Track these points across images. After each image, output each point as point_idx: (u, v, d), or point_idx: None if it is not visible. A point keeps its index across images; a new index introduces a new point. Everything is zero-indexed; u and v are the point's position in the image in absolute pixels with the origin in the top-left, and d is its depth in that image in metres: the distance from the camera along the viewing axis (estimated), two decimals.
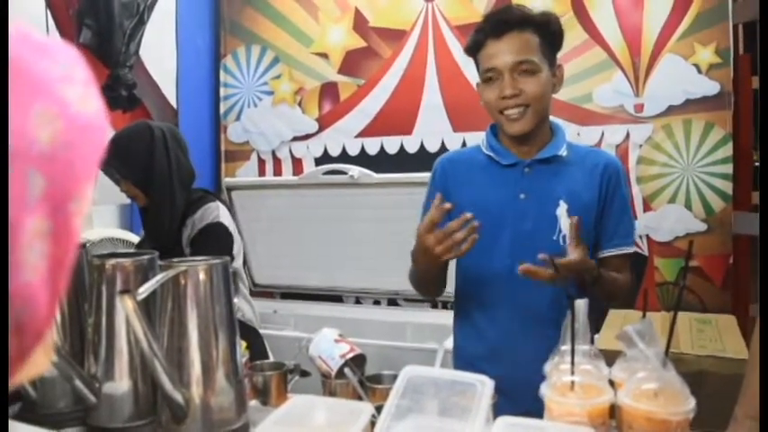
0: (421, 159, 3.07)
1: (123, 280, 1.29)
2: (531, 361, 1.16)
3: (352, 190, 3.16)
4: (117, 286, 1.27)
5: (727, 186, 2.68)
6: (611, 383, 1.04)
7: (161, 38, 3.20)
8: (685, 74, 2.73)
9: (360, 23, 3.28)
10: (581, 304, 1.07)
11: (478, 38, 1.58)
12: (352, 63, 3.31)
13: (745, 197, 2.70)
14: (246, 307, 2.27)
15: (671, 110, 2.76)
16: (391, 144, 3.25)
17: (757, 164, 2.72)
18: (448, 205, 1.41)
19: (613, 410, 1.00)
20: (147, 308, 1.18)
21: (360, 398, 1.36)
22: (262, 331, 2.36)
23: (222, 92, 3.62)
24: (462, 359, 1.72)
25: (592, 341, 1.13)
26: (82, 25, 2.80)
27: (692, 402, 0.93)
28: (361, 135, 3.30)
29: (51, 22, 2.79)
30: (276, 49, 3.47)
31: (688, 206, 2.74)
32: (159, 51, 3.21)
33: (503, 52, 1.53)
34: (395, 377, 1.00)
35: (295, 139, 3.45)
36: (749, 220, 2.63)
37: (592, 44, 2.86)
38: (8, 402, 0.74)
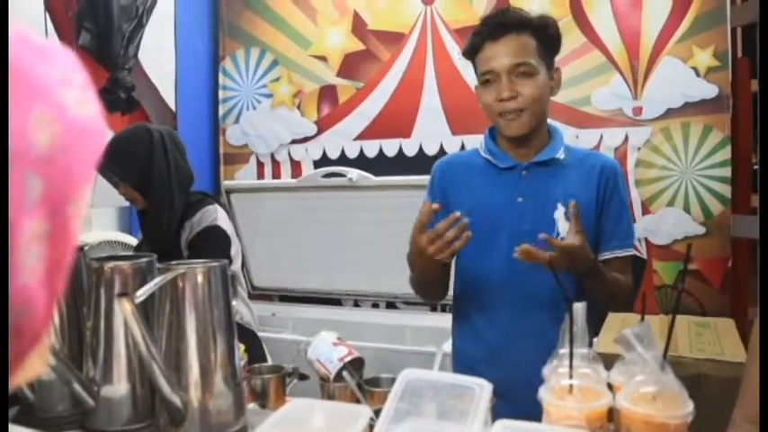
0: (419, 162, 3.08)
1: (122, 283, 1.29)
2: (530, 364, 1.15)
3: (350, 193, 3.16)
4: (115, 289, 1.28)
5: (726, 189, 2.68)
6: (610, 387, 1.04)
7: (160, 41, 3.20)
8: (684, 77, 2.73)
9: (358, 26, 3.28)
10: (579, 308, 1.07)
11: (476, 41, 1.59)
12: (350, 66, 3.31)
13: (744, 200, 2.70)
14: (245, 310, 2.27)
15: (669, 113, 2.76)
16: (390, 147, 3.24)
17: (756, 167, 2.72)
18: (435, 206, 1.41)
19: (612, 414, 1.00)
20: (146, 311, 1.18)
21: (358, 401, 1.36)
22: (260, 334, 2.36)
23: (221, 94, 3.62)
24: (461, 362, 1.72)
25: (590, 344, 1.13)
26: (81, 28, 2.80)
27: (690, 406, 0.93)
28: (359, 138, 3.30)
29: (50, 24, 2.79)
30: (275, 51, 3.47)
31: (687, 209, 2.74)
32: (158, 54, 3.21)
33: (500, 55, 1.54)
34: (393, 380, 1.00)
35: (294, 141, 3.45)
36: (748, 223, 2.63)
37: (590, 47, 2.86)
38: (8, 405, 0.74)
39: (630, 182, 2.77)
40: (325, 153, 3.39)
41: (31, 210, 0.41)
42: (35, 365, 0.47)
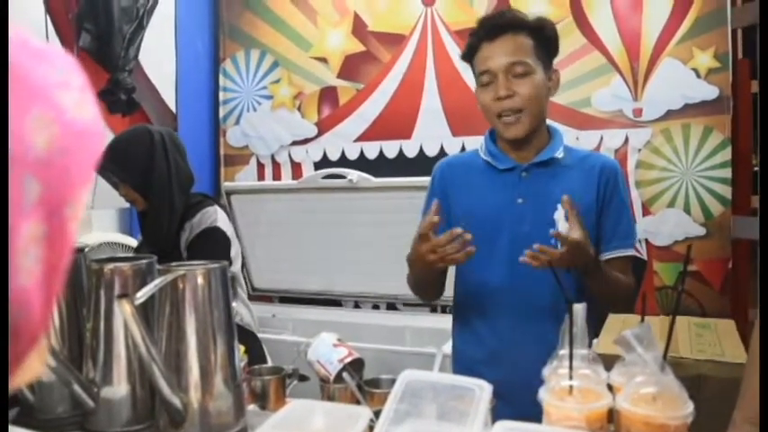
0: (420, 164, 3.08)
1: (122, 284, 1.29)
2: (530, 365, 1.15)
3: (350, 194, 3.16)
4: (115, 290, 1.28)
5: (726, 191, 2.68)
6: (610, 388, 1.04)
7: (160, 42, 3.20)
8: (684, 78, 2.73)
9: (359, 28, 3.29)
10: (579, 309, 1.07)
11: (473, 42, 1.61)
12: (351, 67, 3.31)
13: (744, 201, 2.70)
14: (245, 311, 2.27)
15: (670, 114, 2.76)
16: (390, 148, 3.25)
17: (756, 168, 2.72)
18: (436, 219, 1.43)
19: (612, 415, 1.00)
20: (146, 312, 1.19)
21: (358, 402, 1.36)
22: (260, 335, 2.36)
23: (221, 96, 3.62)
24: (461, 363, 1.72)
25: (590, 345, 1.13)
26: (81, 29, 2.80)
27: (690, 406, 0.93)
28: (360, 139, 3.30)
29: (51, 26, 2.79)
30: (275, 53, 3.47)
31: (687, 210, 2.74)
32: (158, 55, 3.21)
33: (496, 54, 1.55)
34: (393, 381, 1.00)
35: (294, 143, 3.45)
36: (748, 224, 2.63)
37: (590, 48, 2.86)
38: (8, 406, 0.74)
39: (631, 183, 2.77)
40: (325, 154, 3.39)
41: (29, 212, 0.41)
42: (33, 367, 0.47)
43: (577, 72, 2.86)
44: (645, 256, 2.80)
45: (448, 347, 1.79)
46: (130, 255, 2.30)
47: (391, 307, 3.32)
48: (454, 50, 3.07)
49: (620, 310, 1.52)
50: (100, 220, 2.90)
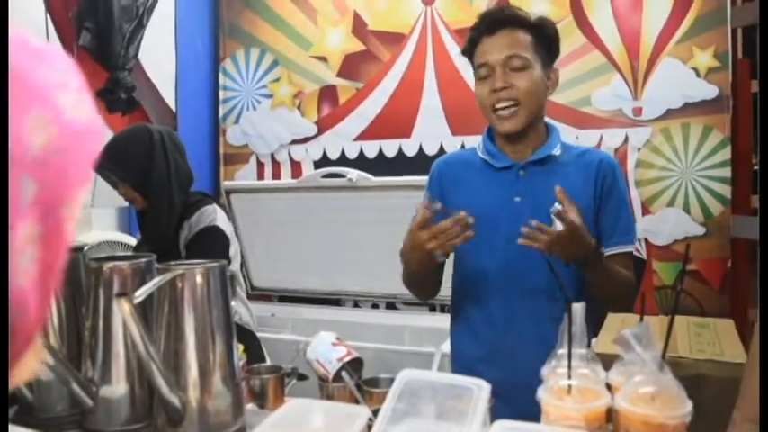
0: (419, 163, 3.07)
1: (120, 283, 1.29)
2: (529, 364, 1.15)
3: (350, 193, 3.16)
4: (114, 289, 1.28)
5: (726, 190, 2.69)
6: (609, 387, 1.04)
7: (160, 41, 3.20)
8: (684, 78, 2.73)
9: (359, 27, 3.29)
10: (578, 308, 1.07)
11: (473, 36, 1.62)
12: (351, 66, 3.31)
13: (744, 201, 2.70)
14: (243, 310, 2.27)
15: (669, 113, 2.76)
16: (390, 147, 3.25)
17: (756, 167, 2.72)
18: (438, 205, 1.44)
19: (610, 414, 1.00)
20: (144, 311, 1.19)
21: (357, 401, 1.36)
22: (259, 334, 2.35)
23: (221, 95, 3.62)
24: (459, 362, 1.72)
25: (589, 345, 1.13)
26: (81, 28, 2.80)
27: (688, 406, 0.93)
28: (359, 138, 3.30)
29: (51, 25, 2.79)
30: (275, 52, 3.47)
31: (686, 210, 2.74)
32: (158, 54, 3.21)
33: (495, 48, 1.56)
34: (392, 380, 1.00)
35: (294, 142, 3.45)
36: (748, 223, 2.63)
37: (590, 48, 2.86)
38: (8, 405, 0.74)
39: (630, 182, 2.78)
40: (325, 153, 3.39)
41: (25, 212, 0.41)
42: (29, 366, 0.47)
43: (577, 71, 2.86)
44: (644, 256, 2.80)
45: (446, 347, 1.79)
46: (129, 254, 2.30)
47: (390, 306, 3.32)
48: (454, 49, 3.07)
49: (621, 309, 1.51)
50: (99, 218, 2.91)
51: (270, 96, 3.50)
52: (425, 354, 2.64)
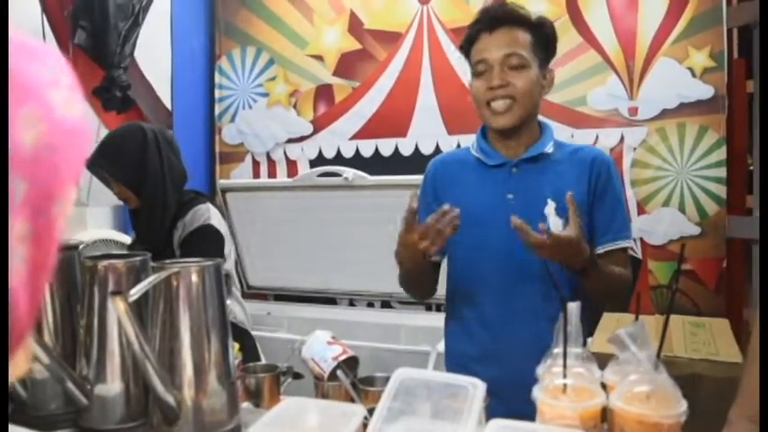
0: (415, 162, 3.07)
1: (115, 281, 1.29)
2: (524, 363, 1.15)
3: (346, 192, 3.16)
4: (109, 287, 1.27)
5: (721, 190, 2.69)
6: (604, 386, 1.04)
7: (156, 39, 3.19)
8: (679, 77, 2.73)
9: (355, 25, 3.28)
10: (573, 307, 1.07)
11: (472, 32, 1.62)
12: (347, 65, 3.31)
13: (739, 201, 2.71)
14: (238, 309, 2.27)
15: (665, 113, 2.76)
16: (386, 146, 3.25)
17: (751, 167, 2.73)
18: (414, 204, 1.44)
19: (605, 413, 1.00)
20: (139, 309, 1.18)
21: (352, 400, 1.36)
22: (255, 333, 2.35)
23: (217, 93, 3.61)
24: (454, 361, 1.71)
25: (584, 344, 1.13)
26: (77, 26, 2.80)
27: (683, 405, 0.93)
28: (355, 137, 3.30)
29: (46, 23, 2.78)
30: (271, 50, 3.47)
31: (682, 209, 2.75)
32: (154, 53, 3.20)
33: (493, 46, 1.56)
34: (387, 379, 1.00)
35: (290, 140, 3.45)
36: (743, 223, 2.63)
37: (586, 47, 2.86)
38: (8, 404, 0.73)
39: (626, 182, 2.78)
40: (321, 152, 3.39)
41: (15, 210, 0.41)
42: (20, 364, 0.47)
43: (573, 71, 2.86)
44: (640, 255, 2.80)
45: (442, 346, 1.79)
46: (125, 252, 2.30)
47: (386, 305, 3.32)
48: (450, 48, 3.07)
49: (616, 306, 1.52)
50: (94, 217, 2.90)
51: (266, 95, 3.49)
52: (421, 353, 2.64)
